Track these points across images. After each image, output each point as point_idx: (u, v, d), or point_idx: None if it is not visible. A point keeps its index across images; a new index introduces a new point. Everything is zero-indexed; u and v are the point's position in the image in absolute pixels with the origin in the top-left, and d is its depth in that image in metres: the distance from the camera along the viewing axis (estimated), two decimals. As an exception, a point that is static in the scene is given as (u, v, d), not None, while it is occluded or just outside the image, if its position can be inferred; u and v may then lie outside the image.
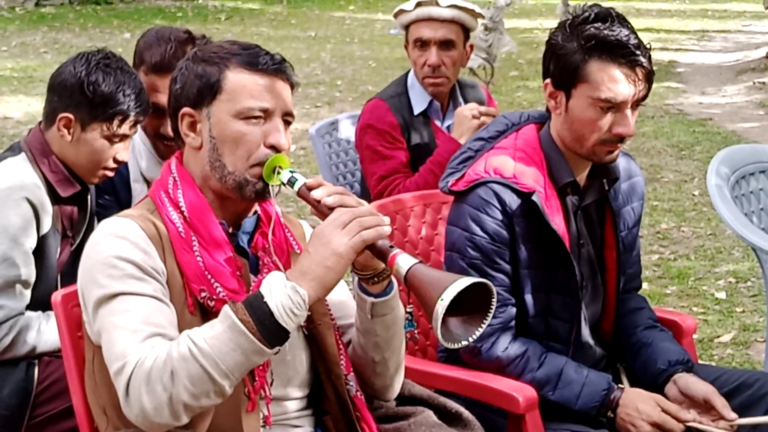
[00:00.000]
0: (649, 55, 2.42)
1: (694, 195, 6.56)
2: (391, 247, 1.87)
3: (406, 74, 3.68)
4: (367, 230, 1.85)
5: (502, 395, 2.38)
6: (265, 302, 1.82)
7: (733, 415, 2.41)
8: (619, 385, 2.48)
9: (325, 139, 4.05)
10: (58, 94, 2.65)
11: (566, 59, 2.41)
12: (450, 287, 1.75)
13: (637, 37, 2.40)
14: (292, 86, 2.06)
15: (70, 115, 2.64)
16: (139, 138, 3.02)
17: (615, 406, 2.42)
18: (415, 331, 1.98)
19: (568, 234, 2.49)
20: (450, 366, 2.54)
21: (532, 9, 16.22)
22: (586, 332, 2.58)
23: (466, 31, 3.60)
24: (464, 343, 1.82)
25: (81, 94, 2.62)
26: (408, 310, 1.96)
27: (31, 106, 9.05)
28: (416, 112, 3.60)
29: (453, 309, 1.76)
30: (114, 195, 2.99)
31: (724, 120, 8.92)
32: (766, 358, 3.35)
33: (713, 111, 9.32)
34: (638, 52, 2.37)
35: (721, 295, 4.84)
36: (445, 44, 3.55)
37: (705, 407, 2.44)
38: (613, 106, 2.38)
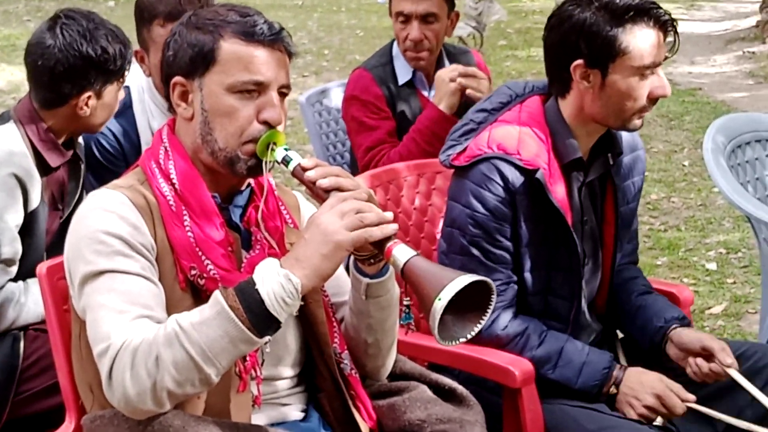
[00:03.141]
0: None
1: (684, 165, 6.52)
2: (389, 238, 1.79)
3: (391, 43, 3.58)
4: (373, 228, 1.77)
5: (497, 369, 2.34)
6: (257, 289, 1.75)
7: (729, 360, 2.37)
8: (622, 364, 2.44)
9: (315, 108, 3.97)
10: (69, 80, 2.56)
11: (600, 35, 2.30)
12: (448, 286, 1.68)
13: None
14: (290, 56, 1.97)
15: (89, 92, 2.58)
16: (150, 98, 2.95)
17: (618, 383, 2.38)
18: (411, 324, 1.91)
19: (571, 211, 2.43)
20: (444, 340, 2.49)
21: (520, -23, 16.08)
22: (584, 309, 2.53)
23: (450, 1, 3.49)
24: (461, 341, 1.76)
25: (95, 69, 2.56)
26: (405, 302, 1.87)
27: (14, 75, 8.92)
28: (401, 82, 3.52)
29: (450, 305, 1.70)
30: (124, 160, 2.91)
31: (714, 90, 8.89)
32: (761, 329, 3.31)
33: (702, 81, 9.28)
34: (661, 10, 2.33)
35: (712, 266, 4.81)
36: (427, 18, 3.44)
37: (705, 355, 2.41)
38: (652, 71, 2.33)
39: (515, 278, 2.43)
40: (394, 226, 1.79)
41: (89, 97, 2.58)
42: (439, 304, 1.68)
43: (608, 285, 2.62)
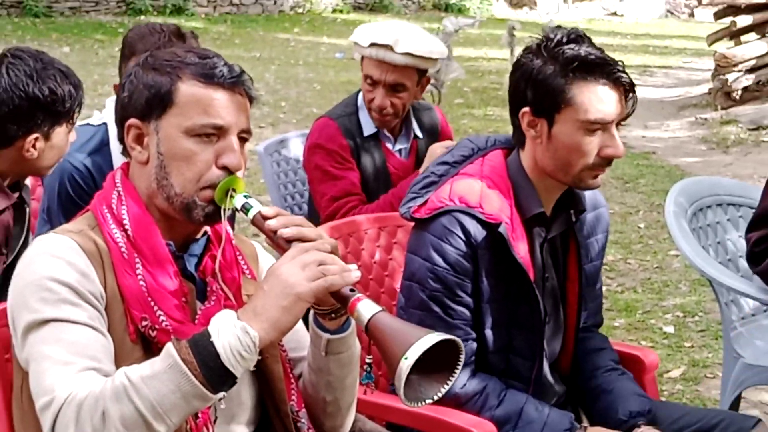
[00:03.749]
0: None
1: (639, 227, 6.54)
2: (352, 290, 1.71)
3: (357, 93, 3.54)
4: (333, 275, 1.69)
5: (459, 431, 2.26)
6: (212, 342, 1.65)
7: None
8: (582, 425, 2.37)
9: (274, 158, 3.91)
10: (14, 121, 2.47)
11: (547, 84, 2.27)
12: (416, 344, 1.60)
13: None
14: (251, 101, 1.90)
15: (36, 134, 2.49)
16: None
17: None
18: (371, 384, 1.82)
19: (533, 267, 2.38)
20: (404, 400, 2.40)
21: (477, 38, 16.26)
22: (546, 369, 2.47)
23: (421, 70, 3.44)
24: (428, 402, 1.68)
25: (42, 110, 2.48)
26: (368, 360, 1.79)
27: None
28: (366, 133, 3.47)
29: (416, 365, 1.61)
30: None
31: (668, 154, 8.97)
32: (722, 394, 3.27)
33: (656, 145, 9.37)
34: (619, 68, 2.28)
35: (669, 329, 4.79)
36: (396, 87, 3.40)
37: None
38: (601, 128, 2.28)
39: (474, 335, 2.36)
40: (356, 274, 1.72)
41: (36, 139, 2.49)
42: (406, 363, 1.60)
43: (573, 345, 2.55)
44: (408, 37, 3.32)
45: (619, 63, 2.31)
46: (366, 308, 1.68)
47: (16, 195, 2.59)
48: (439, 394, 1.68)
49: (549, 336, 2.47)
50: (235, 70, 1.87)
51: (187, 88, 1.83)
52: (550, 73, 2.27)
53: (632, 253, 6.00)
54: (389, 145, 3.54)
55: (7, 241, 2.58)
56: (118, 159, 2.87)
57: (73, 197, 2.85)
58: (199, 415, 1.81)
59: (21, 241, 2.62)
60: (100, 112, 2.99)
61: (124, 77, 1.91)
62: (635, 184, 7.71)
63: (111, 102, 2.99)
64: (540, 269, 2.43)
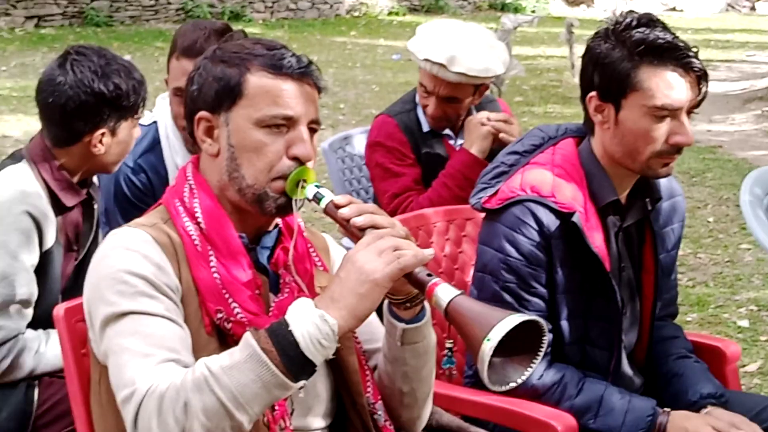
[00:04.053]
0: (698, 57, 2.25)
1: (708, 222, 6.42)
2: (429, 275, 1.69)
3: (415, 90, 3.51)
4: (406, 256, 1.67)
5: (538, 424, 2.21)
6: (291, 331, 1.64)
7: None
8: (665, 409, 2.31)
9: (338, 154, 3.89)
10: (81, 117, 2.48)
11: (614, 68, 2.22)
12: (498, 326, 1.57)
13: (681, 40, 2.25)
14: (319, 91, 1.89)
15: (103, 130, 2.50)
16: (173, 133, 2.88)
17: (662, 430, 2.25)
18: (453, 369, 1.79)
19: (608, 257, 2.33)
20: (480, 391, 2.37)
21: (535, 37, 16.13)
22: (624, 361, 2.42)
23: (477, 85, 3.37)
24: (512, 385, 1.65)
25: (108, 105, 2.48)
26: (448, 345, 1.77)
27: (30, 125, 8.90)
28: (426, 129, 3.44)
29: (499, 347, 1.59)
30: (153, 197, 2.83)
31: (734, 147, 8.81)
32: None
33: (722, 138, 9.21)
34: (690, 53, 2.21)
35: (744, 323, 4.68)
36: (449, 99, 3.35)
37: None
38: (669, 114, 2.22)
39: (550, 326, 2.31)
40: (429, 251, 1.70)
41: (103, 135, 2.50)
42: (488, 345, 1.57)
43: (648, 336, 2.50)
44: (463, 55, 3.24)
45: (692, 49, 2.25)
46: (445, 292, 1.66)
47: (85, 192, 2.60)
48: (524, 377, 1.65)
49: (626, 327, 2.42)
50: (303, 60, 1.86)
51: (256, 80, 1.82)
52: (617, 57, 2.22)
53: (702, 248, 5.89)
54: (451, 141, 3.50)
55: (77, 238, 2.60)
56: (170, 157, 2.89)
57: (129, 197, 2.87)
58: (276, 407, 1.79)
59: (91, 238, 2.63)
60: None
61: (192, 70, 1.90)
62: (702, 178, 7.58)
63: (161, 99, 3.01)
64: (616, 259, 2.38)
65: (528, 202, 2.28)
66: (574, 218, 2.24)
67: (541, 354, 1.66)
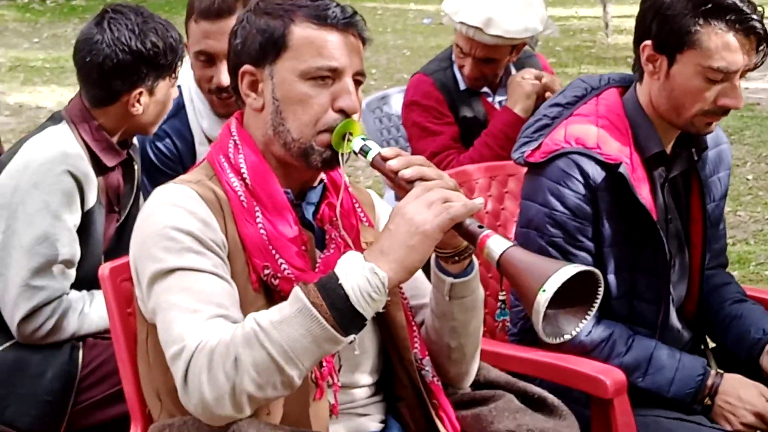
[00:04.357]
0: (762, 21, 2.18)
1: (747, 179, 6.35)
2: (480, 227, 1.66)
3: (451, 48, 3.45)
4: (456, 206, 1.64)
5: (586, 378, 2.18)
6: (341, 284, 1.61)
7: None
8: (717, 371, 2.27)
9: (376, 114, 3.86)
10: (119, 76, 2.46)
11: (675, 21, 2.16)
12: (553, 277, 1.54)
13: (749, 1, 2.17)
14: (364, 42, 1.85)
15: (140, 89, 2.48)
16: (197, 97, 2.85)
17: (713, 392, 2.22)
18: (507, 321, 1.77)
19: (655, 208, 2.28)
20: (526, 348, 2.34)
21: (567, -3, 15.96)
22: (673, 315, 2.38)
23: (514, 45, 3.32)
24: (567, 337, 1.62)
25: (145, 64, 2.46)
26: (501, 297, 1.75)
27: (63, 96, 8.93)
28: (462, 87, 3.40)
29: (553, 299, 1.56)
30: (180, 162, 2.82)
31: (773, 105, 8.68)
32: None
33: (760, 96, 9.07)
34: (755, 17, 2.14)
35: (786, 279, 4.63)
36: (485, 60, 3.30)
37: None
38: (723, 76, 2.16)
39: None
40: (479, 200, 1.68)
41: (141, 94, 2.48)
42: (544, 297, 1.54)
43: (698, 289, 2.46)
44: (500, 16, 3.18)
45: (758, 10, 2.18)
46: (497, 243, 1.62)
47: (125, 152, 2.59)
48: (578, 329, 1.63)
49: (675, 280, 2.38)
50: (348, 11, 1.83)
51: (301, 31, 1.79)
52: (680, 11, 2.16)
53: (742, 205, 5.82)
54: (489, 98, 3.46)
55: (118, 200, 2.59)
56: (195, 121, 2.86)
57: (155, 164, 2.86)
58: (324, 364, 1.78)
59: (132, 200, 2.62)
60: None
61: (235, 24, 1.87)
62: (740, 136, 7.48)
63: (185, 65, 2.98)
64: (662, 211, 2.34)
65: (573, 154, 2.23)
66: (621, 169, 2.20)
67: (596, 305, 1.62)
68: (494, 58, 3.30)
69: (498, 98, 3.46)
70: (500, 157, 3.03)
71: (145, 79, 2.47)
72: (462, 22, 3.22)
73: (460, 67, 3.36)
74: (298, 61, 1.78)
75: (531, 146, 2.32)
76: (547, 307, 1.55)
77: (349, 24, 1.81)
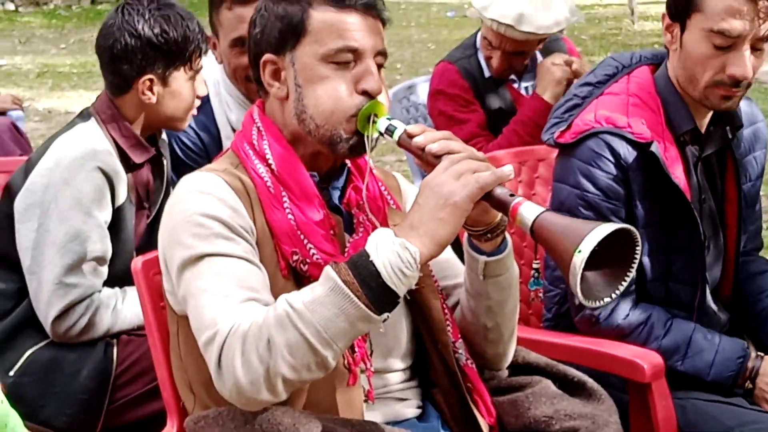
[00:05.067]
0: None
1: (779, 162, 6.24)
2: (512, 195, 1.63)
3: (476, 34, 3.43)
4: (484, 175, 1.61)
5: (623, 363, 2.15)
6: (371, 261, 1.59)
7: None
8: (758, 353, 2.23)
9: (403, 104, 3.84)
10: (127, 60, 2.46)
11: None
12: (588, 236, 1.50)
13: None
14: (383, 23, 1.83)
15: (150, 75, 2.47)
16: (224, 89, 2.84)
17: (754, 375, 2.18)
18: (540, 291, 1.74)
19: (689, 188, 2.25)
20: (561, 333, 2.32)
21: (591, -15, 15.85)
22: (709, 296, 2.34)
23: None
24: (606, 300, 1.58)
25: (154, 50, 2.45)
26: (535, 266, 1.71)
27: (92, 100, 8.89)
28: (488, 74, 3.37)
29: (590, 261, 1.51)
30: (206, 155, 2.82)
31: (803, 86, 8.56)
32: None
33: (791, 77, 8.96)
34: None
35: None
36: (515, 53, 3.29)
37: None
38: (729, 42, 2.11)
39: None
40: (509, 168, 1.64)
41: (152, 81, 2.47)
42: (580, 258, 1.50)
43: (733, 270, 2.42)
44: (532, 12, 3.16)
45: None
46: (529, 210, 1.59)
47: (154, 149, 2.58)
48: (618, 291, 1.58)
49: (710, 261, 2.34)
50: None
51: (319, 15, 1.77)
52: None
53: (774, 189, 5.73)
54: (515, 85, 3.43)
55: (148, 196, 2.59)
56: (221, 114, 2.85)
57: (182, 158, 2.85)
58: (356, 349, 1.77)
59: (162, 196, 2.61)
60: None
61: (253, 13, 1.86)
62: (770, 119, 7.39)
63: (205, 59, 2.97)
64: (696, 191, 2.30)
65: (603, 134, 2.20)
66: (653, 148, 2.17)
67: (635, 266, 1.58)
68: (524, 51, 3.29)
69: (524, 84, 3.43)
70: (529, 145, 3.00)
71: (154, 65, 2.46)
72: (493, 19, 3.19)
73: (488, 59, 3.34)
74: (318, 45, 1.77)
75: (561, 127, 2.29)
76: (584, 269, 1.51)
77: (367, 5, 1.79)
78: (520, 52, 3.28)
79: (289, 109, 1.81)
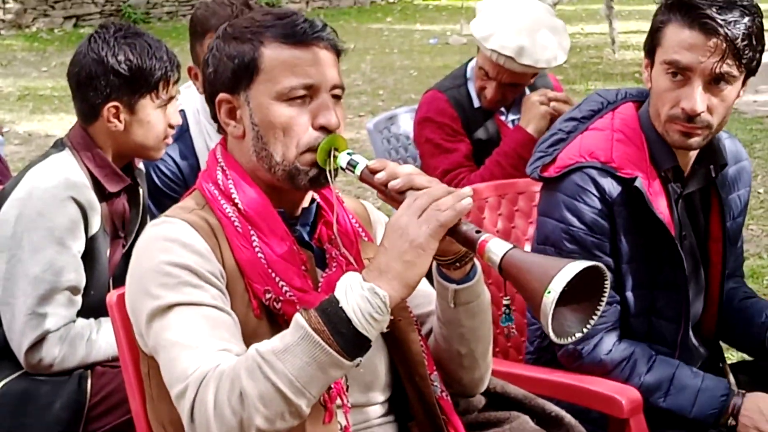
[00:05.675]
0: (748, 36, 2.09)
1: (759, 193, 6.29)
2: (478, 232, 1.60)
3: (466, 65, 3.44)
4: (444, 212, 1.59)
5: (602, 398, 2.14)
6: (341, 308, 1.57)
7: None
8: (740, 390, 2.23)
9: (383, 135, 3.82)
10: (92, 87, 2.45)
11: (654, 20, 2.18)
12: (557, 276, 1.49)
13: (746, 15, 2.10)
14: (338, 53, 1.81)
15: (115, 103, 2.45)
16: (205, 118, 2.83)
17: (735, 412, 2.17)
18: (512, 327, 1.72)
19: (672, 224, 2.24)
20: (541, 368, 2.30)
21: (573, 14, 15.94)
22: (691, 333, 2.33)
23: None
24: (577, 335, 1.56)
25: (117, 77, 2.43)
26: (505, 302, 1.69)
27: (72, 124, 8.93)
28: (477, 104, 3.37)
29: (561, 298, 1.50)
30: (184, 184, 2.80)
31: (781, 118, 8.63)
32: None
33: (769, 109, 9.03)
34: (720, 22, 2.07)
35: (800, 294, 4.56)
36: (510, 85, 3.30)
37: None
38: (682, 74, 2.12)
39: (617, 298, 2.24)
40: (467, 201, 1.61)
41: (117, 109, 2.45)
42: (550, 298, 1.48)
43: (716, 307, 2.41)
44: (532, 46, 3.17)
45: (732, 14, 2.09)
46: (497, 247, 1.57)
47: (129, 178, 2.56)
48: (589, 326, 1.56)
49: (691, 297, 2.33)
50: (317, 24, 1.78)
51: (271, 52, 1.75)
52: (656, 12, 2.18)
53: (753, 219, 5.76)
54: (502, 117, 3.43)
55: (123, 225, 2.56)
56: (201, 143, 2.84)
57: (161, 188, 2.84)
58: (332, 386, 1.73)
59: (138, 225, 2.59)
60: None
61: (206, 52, 1.84)
62: (750, 149, 7.41)
63: (185, 89, 2.95)
64: (678, 227, 2.29)
65: (588, 168, 2.20)
66: (637, 183, 2.17)
67: (604, 301, 1.56)
68: (519, 83, 3.30)
69: (511, 117, 3.44)
70: (511, 177, 3.00)
71: (118, 92, 2.44)
72: (493, 50, 3.20)
73: (481, 89, 3.34)
74: (272, 83, 1.74)
75: (545, 161, 2.29)
76: (554, 307, 1.49)
77: (318, 38, 1.77)
78: (515, 84, 3.29)
79: (247, 147, 1.79)
